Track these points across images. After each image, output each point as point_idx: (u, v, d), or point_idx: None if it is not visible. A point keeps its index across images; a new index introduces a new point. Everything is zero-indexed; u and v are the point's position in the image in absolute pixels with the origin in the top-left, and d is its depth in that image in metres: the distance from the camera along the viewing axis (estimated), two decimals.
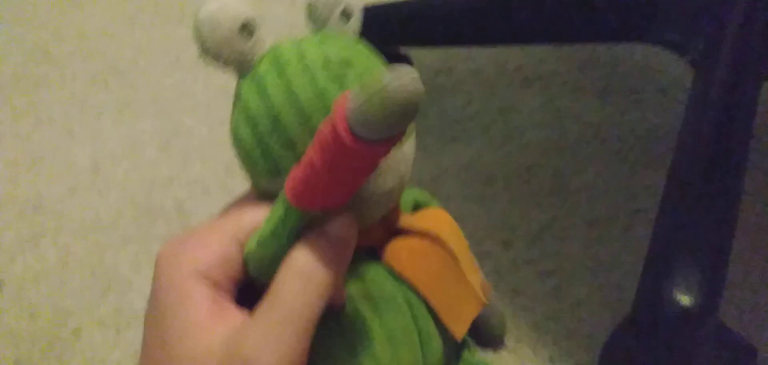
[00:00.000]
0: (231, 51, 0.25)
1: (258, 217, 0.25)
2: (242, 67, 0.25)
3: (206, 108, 0.76)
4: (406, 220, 0.30)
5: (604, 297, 0.49)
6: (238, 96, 0.26)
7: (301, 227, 0.24)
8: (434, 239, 0.29)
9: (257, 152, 0.25)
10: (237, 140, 0.26)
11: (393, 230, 0.29)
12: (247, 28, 0.25)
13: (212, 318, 0.23)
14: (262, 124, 0.24)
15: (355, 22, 0.28)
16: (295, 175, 0.23)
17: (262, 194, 0.26)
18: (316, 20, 0.27)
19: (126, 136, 0.73)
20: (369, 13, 0.69)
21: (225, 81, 0.79)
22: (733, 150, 0.43)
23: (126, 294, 0.54)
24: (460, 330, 0.29)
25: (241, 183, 0.63)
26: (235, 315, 0.23)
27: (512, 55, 0.79)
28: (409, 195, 0.32)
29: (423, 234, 0.29)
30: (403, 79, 0.19)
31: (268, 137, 0.24)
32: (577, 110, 0.70)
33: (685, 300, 0.35)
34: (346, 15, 0.27)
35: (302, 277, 0.23)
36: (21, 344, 0.51)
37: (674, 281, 0.36)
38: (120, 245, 0.59)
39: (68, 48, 0.90)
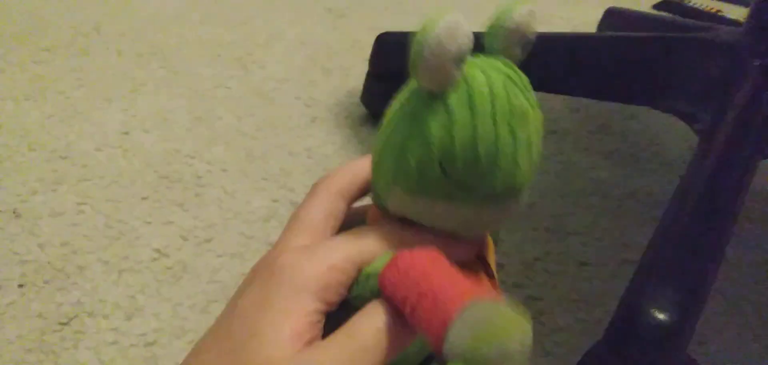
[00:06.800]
0: (444, 79, 0.23)
1: (379, 247, 0.26)
2: (439, 88, 0.24)
3: (238, 102, 0.79)
4: None
5: (585, 329, 0.51)
6: (420, 112, 0.24)
7: None
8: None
9: (418, 172, 0.25)
10: (400, 152, 0.25)
11: None
12: (462, 59, 0.23)
13: (300, 336, 0.23)
14: (437, 153, 0.24)
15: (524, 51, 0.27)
16: (398, 289, 0.24)
17: (383, 204, 0.27)
18: (496, 44, 0.26)
19: (159, 111, 0.76)
20: (393, 38, 0.73)
21: (259, 82, 0.83)
22: (722, 208, 0.45)
23: (133, 244, 0.56)
24: None
25: (258, 168, 0.67)
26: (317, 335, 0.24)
27: None
28: None
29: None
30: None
31: (436, 164, 0.24)
32: (584, 166, 0.72)
33: (659, 315, 0.37)
34: (521, 45, 0.26)
35: (383, 324, 0.24)
36: (27, 269, 0.53)
37: (651, 298, 0.38)
38: (136, 201, 0.61)
39: (119, 29, 0.95)
